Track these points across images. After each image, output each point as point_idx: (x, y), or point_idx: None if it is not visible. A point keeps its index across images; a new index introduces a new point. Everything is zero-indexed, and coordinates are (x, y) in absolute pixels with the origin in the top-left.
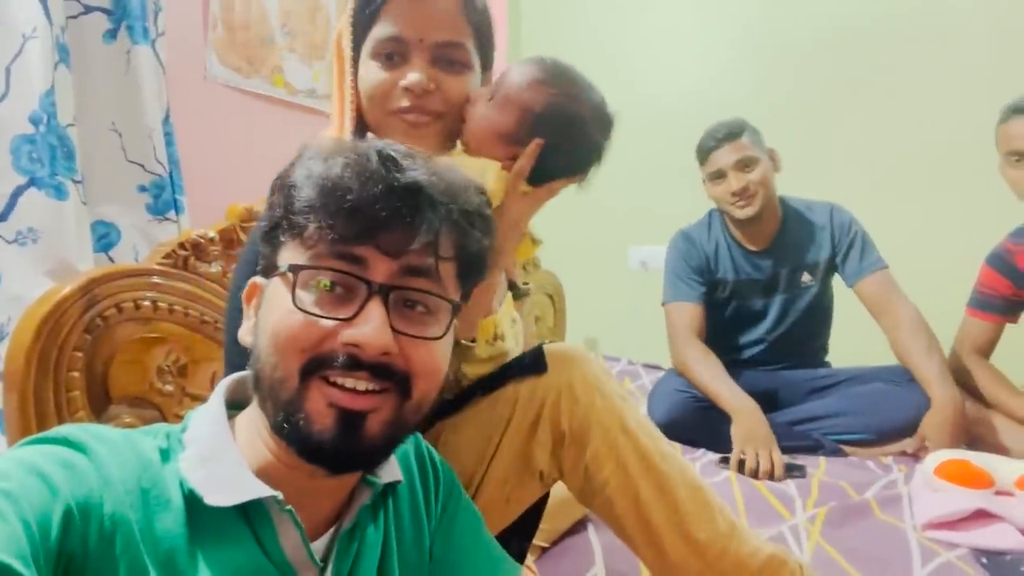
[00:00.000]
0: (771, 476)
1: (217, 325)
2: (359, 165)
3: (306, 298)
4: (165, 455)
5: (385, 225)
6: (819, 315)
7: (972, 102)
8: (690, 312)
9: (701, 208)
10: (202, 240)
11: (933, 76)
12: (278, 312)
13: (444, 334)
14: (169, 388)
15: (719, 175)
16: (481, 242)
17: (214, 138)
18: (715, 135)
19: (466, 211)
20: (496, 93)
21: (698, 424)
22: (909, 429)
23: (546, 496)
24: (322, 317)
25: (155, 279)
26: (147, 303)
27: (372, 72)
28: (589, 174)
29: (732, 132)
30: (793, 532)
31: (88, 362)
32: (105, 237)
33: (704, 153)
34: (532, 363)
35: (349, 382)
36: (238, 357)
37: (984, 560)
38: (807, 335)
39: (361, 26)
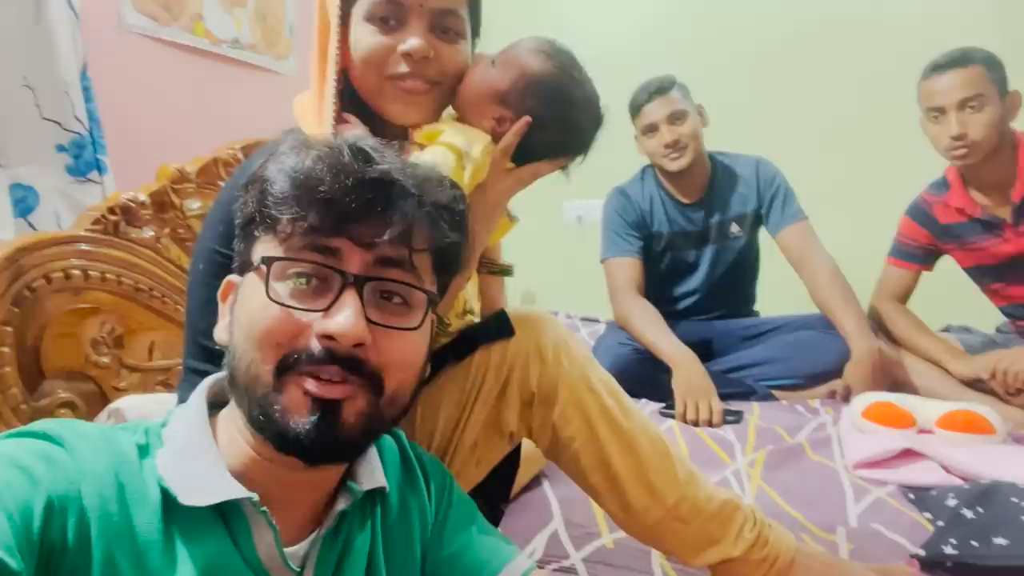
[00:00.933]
0: (710, 423)
1: (153, 293)
2: (331, 158)
3: (281, 290)
4: (143, 451)
5: (358, 216)
6: (747, 265)
7: (896, 59)
8: (629, 267)
9: (637, 162)
10: (132, 204)
11: (860, 34)
12: (253, 305)
13: (420, 325)
14: (105, 360)
15: (651, 128)
16: (454, 235)
17: (134, 93)
18: (647, 90)
19: (438, 204)
20: (499, 56)
21: (640, 376)
22: (834, 373)
23: (517, 458)
24: (297, 308)
25: (85, 246)
26: (77, 272)
27: (367, 35)
28: (572, 163)
29: (662, 87)
30: (736, 476)
31: (18, 336)
32: (23, 201)
33: (636, 107)
34: (499, 328)
35: (324, 374)
36: (203, 322)
37: (911, 496)
38: (737, 285)
39: None
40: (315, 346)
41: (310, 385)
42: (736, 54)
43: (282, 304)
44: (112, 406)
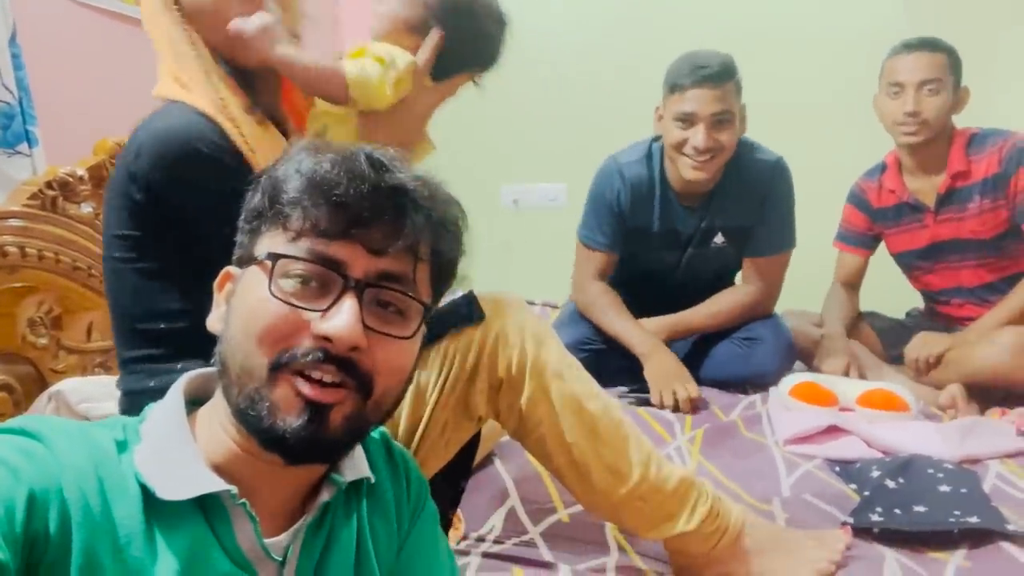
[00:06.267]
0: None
1: (92, 272)
2: (348, 163)
3: (283, 287)
4: (121, 446)
5: (368, 222)
6: (725, 271)
7: (850, 51)
8: (600, 258)
9: (575, 147)
10: (70, 178)
11: (816, 24)
12: (252, 301)
13: (413, 335)
14: (43, 341)
15: (688, 120)
16: (456, 250)
17: (63, 62)
18: (698, 71)
19: (445, 219)
20: None
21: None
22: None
23: (477, 437)
24: (297, 306)
25: (21, 222)
26: (14, 249)
27: None
28: (486, 71)
29: (720, 75)
30: (678, 453)
31: None
32: None
33: (678, 86)
34: (468, 313)
35: (316, 373)
36: (137, 307)
37: (837, 468)
38: (702, 289)
39: None
40: (310, 345)
41: (303, 387)
42: (686, 35)
43: (284, 301)
44: (53, 389)
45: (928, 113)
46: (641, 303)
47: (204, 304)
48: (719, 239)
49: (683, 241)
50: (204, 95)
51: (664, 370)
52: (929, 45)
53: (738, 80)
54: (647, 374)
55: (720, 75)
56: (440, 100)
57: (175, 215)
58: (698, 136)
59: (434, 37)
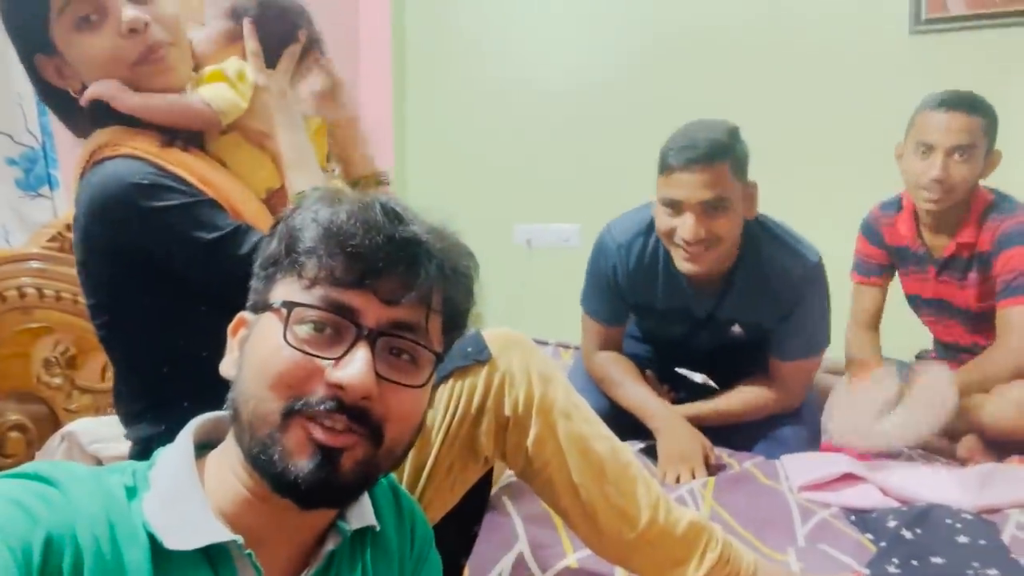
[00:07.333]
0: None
1: None
2: (364, 214)
3: (297, 334)
4: (131, 492)
5: (382, 272)
6: (744, 354)
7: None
8: (603, 331)
9: (589, 188)
10: None
11: (822, 53)
12: (266, 347)
13: (425, 383)
14: (57, 381)
15: (675, 207)
16: (467, 301)
17: None
18: (687, 152)
19: (457, 269)
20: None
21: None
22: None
23: (489, 480)
24: (310, 354)
25: (39, 264)
26: (32, 290)
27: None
28: (299, 43)
29: (712, 153)
30: (691, 495)
31: None
32: None
33: (665, 165)
34: (474, 351)
35: (328, 422)
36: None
37: (852, 517)
38: (735, 353)
39: None
40: (323, 393)
41: (317, 432)
42: (694, 68)
43: (298, 348)
44: (65, 429)
45: (955, 180)
46: (661, 358)
47: (198, 338)
48: (737, 329)
49: (696, 320)
50: (122, 146)
51: (675, 450)
52: (967, 105)
53: (738, 157)
54: (659, 448)
55: (710, 155)
56: (286, 75)
57: (141, 256)
58: (686, 226)
59: (248, 26)
